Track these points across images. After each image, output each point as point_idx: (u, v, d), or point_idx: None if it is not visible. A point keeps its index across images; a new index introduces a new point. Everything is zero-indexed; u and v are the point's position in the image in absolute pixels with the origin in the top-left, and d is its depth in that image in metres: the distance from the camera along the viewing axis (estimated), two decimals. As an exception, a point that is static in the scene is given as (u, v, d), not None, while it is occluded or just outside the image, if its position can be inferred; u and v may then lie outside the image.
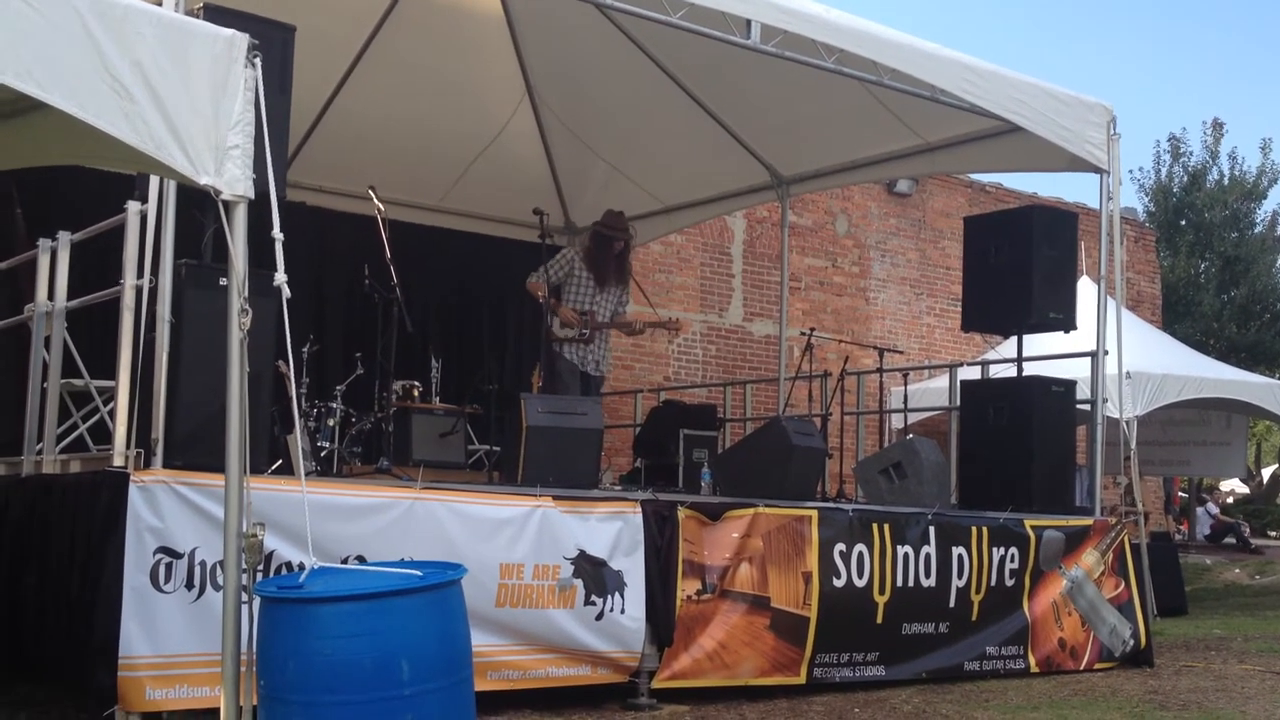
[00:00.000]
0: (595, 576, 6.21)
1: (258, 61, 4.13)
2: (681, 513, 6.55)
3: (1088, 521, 8.34)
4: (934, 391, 13.60)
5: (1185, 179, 26.28)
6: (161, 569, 5.11)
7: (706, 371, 14.29)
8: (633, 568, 6.34)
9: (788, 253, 11.51)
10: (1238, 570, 16.28)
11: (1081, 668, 7.99)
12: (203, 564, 5.17)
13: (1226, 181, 26.02)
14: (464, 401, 9.47)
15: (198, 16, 4.99)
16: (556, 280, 8.77)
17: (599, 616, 6.20)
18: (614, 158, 11.13)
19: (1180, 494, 23.96)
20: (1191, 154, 26.46)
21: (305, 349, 8.29)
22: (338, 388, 8.43)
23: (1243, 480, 27.08)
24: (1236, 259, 25.16)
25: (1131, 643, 8.24)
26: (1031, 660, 7.80)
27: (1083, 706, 6.72)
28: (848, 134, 9.83)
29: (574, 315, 8.69)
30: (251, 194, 4.11)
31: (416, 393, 9.24)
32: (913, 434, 9.97)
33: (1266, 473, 33.60)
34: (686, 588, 6.49)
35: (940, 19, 76.26)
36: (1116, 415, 9.37)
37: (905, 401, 11.39)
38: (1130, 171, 27.69)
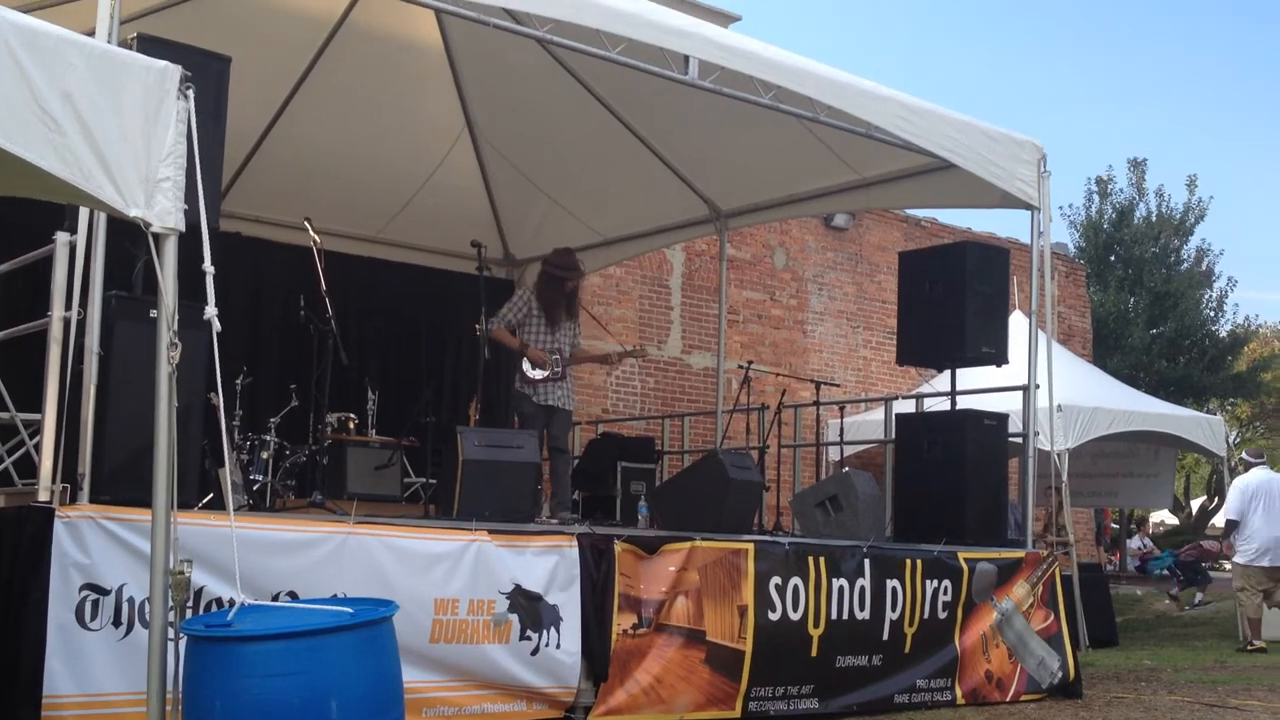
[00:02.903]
0: (531, 611, 6.18)
1: (190, 93, 4.10)
2: (618, 546, 6.54)
3: (1020, 554, 8.43)
4: (870, 424, 13.70)
5: (1114, 216, 26.78)
6: (88, 606, 5.01)
7: (645, 404, 14.30)
8: (569, 602, 6.32)
9: (726, 285, 11.58)
10: (1168, 601, 16.52)
11: (1008, 699, 8.05)
12: (130, 601, 5.08)
13: (1154, 218, 26.54)
14: (401, 434, 9.41)
15: (131, 47, 4.96)
16: (516, 322, 8.74)
17: (535, 651, 6.17)
18: (553, 190, 11.15)
19: (1111, 525, 24.28)
20: (1120, 191, 27.00)
21: (239, 380, 8.21)
22: (271, 420, 8.34)
23: (1172, 512, 27.49)
24: (1165, 294, 25.63)
25: (1060, 674, 8.32)
26: (958, 692, 7.84)
27: (1015, 738, 6.77)
28: (785, 169, 9.92)
29: (546, 355, 8.65)
30: (182, 227, 4.07)
31: (352, 425, 9.18)
32: (849, 467, 10.04)
33: (1195, 504, 34.14)
34: (622, 622, 6.47)
35: (872, 57, 77.37)
36: (1048, 448, 9.49)
37: (841, 434, 11.47)
38: (1061, 208, 28.19)
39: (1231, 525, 12.07)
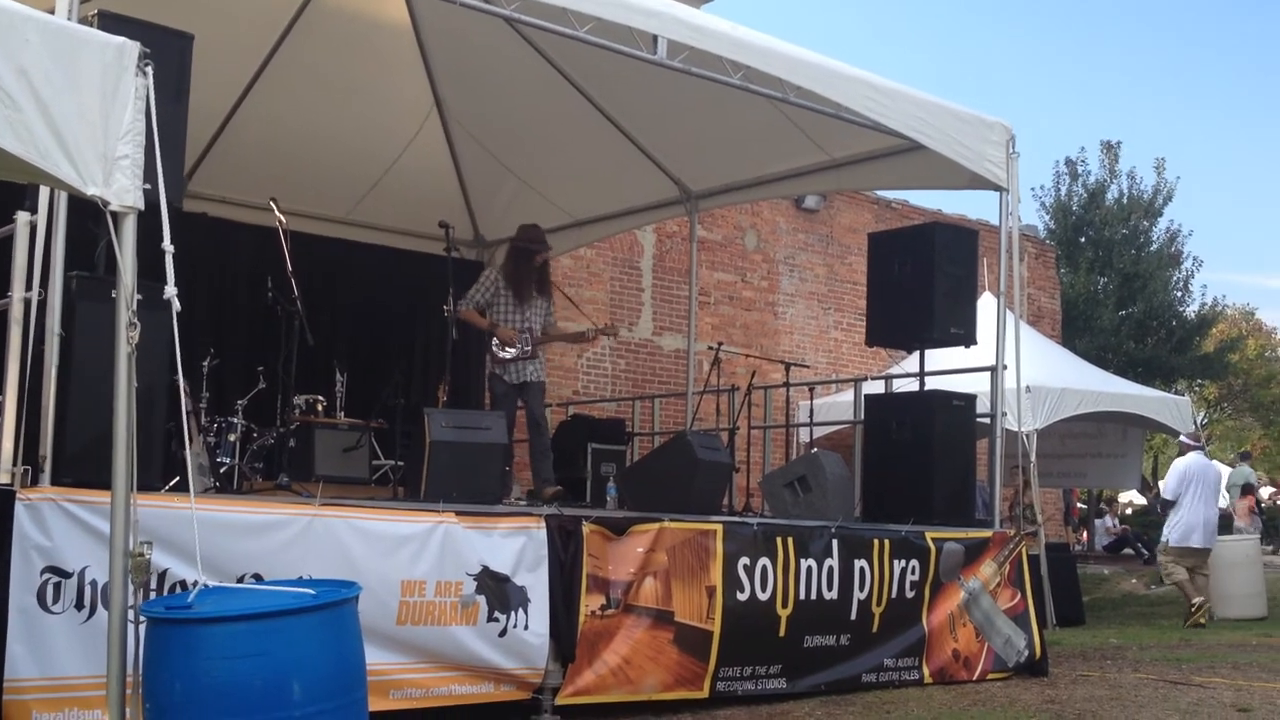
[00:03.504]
0: (499, 593, 6.17)
1: (149, 70, 4.05)
2: (586, 528, 6.54)
3: (987, 534, 8.47)
4: (841, 405, 13.75)
5: (1084, 197, 26.90)
6: (50, 589, 4.96)
7: (616, 386, 14.30)
8: (536, 583, 6.31)
9: (697, 267, 11.57)
10: (1134, 580, 16.66)
11: (975, 678, 8.10)
12: (93, 584, 5.03)
13: (1125, 200, 26.67)
14: (369, 416, 9.37)
15: (92, 24, 4.89)
16: (484, 302, 8.77)
17: (502, 633, 6.16)
18: (523, 171, 11.10)
19: (1079, 505, 24.45)
20: (1090, 173, 27.12)
21: (205, 363, 8.15)
22: (239, 402, 8.29)
23: (1140, 492, 27.69)
24: (1135, 275, 25.79)
25: (1026, 653, 8.38)
26: (926, 671, 7.89)
27: (981, 717, 6.81)
28: (756, 150, 9.91)
29: (514, 333, 8.64)
30: (141, 205, 4.02)
31: (320, 407, 9.12)
32: (818, 448, 10.06)
33: (1163, 484, 34.37)
34: (590, 603, 6.48)
35: (844, 37, 77.36)
36: (1016, 428, 9.54)
37: (811, 415, 11.50)
38: (1032, 189, 28.33)
39: (1167, 505, 12.63)
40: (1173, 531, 12.52)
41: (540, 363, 8.85)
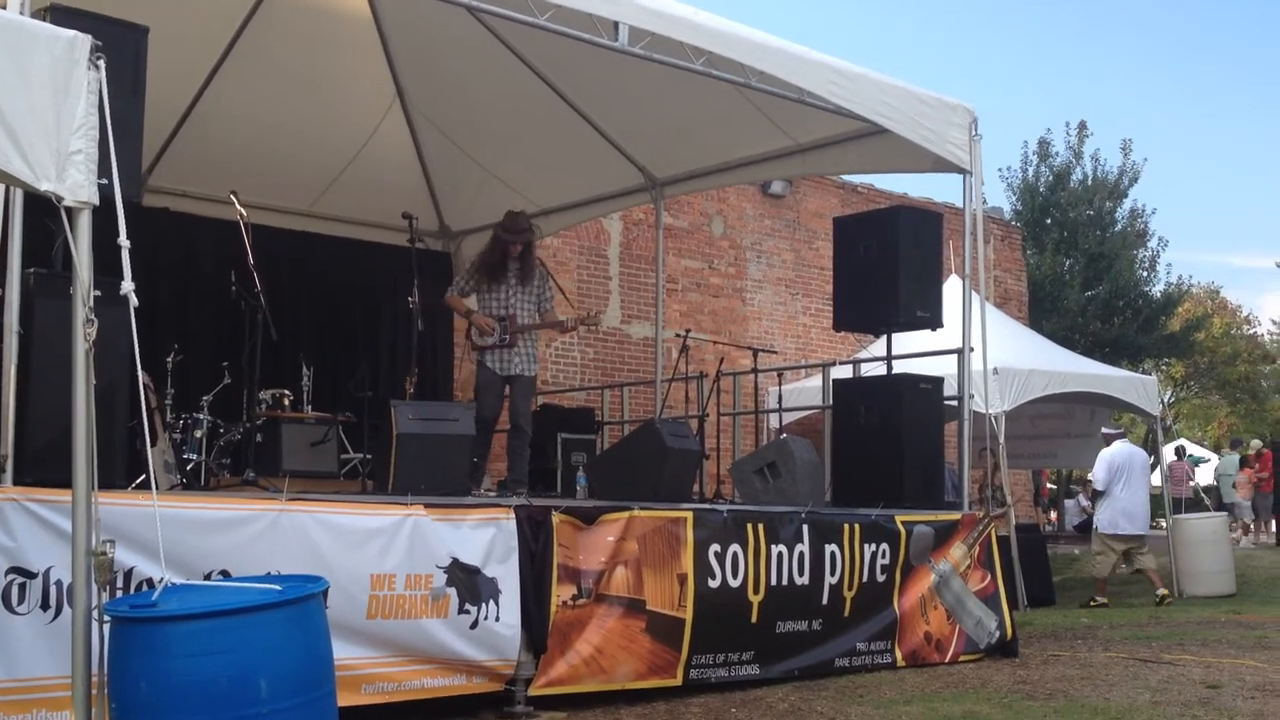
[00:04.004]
0: (469, 584, 6.14)
1: (101, 63, 3.99)
2: (556, 518, 6.52)
3: (956, 516, 8.51)
4: (810, 391, 13.76)
5: (1050, 179, 27.03)
6: (14, 589, 4.91)
7: (585, 374, 14.27)
8: (507, 575, 6.29)
9: (663, 254, 11.56)
10: (1145, 555, 16.71)
11: (947, 660, 8.14)
12: (58, 583, 4.97)
13: (1090, 182, 26.82)
14: (336, 409, 9.32)
15: (44, 18, 4.83)
16: (470, 289, 8.75)
17: (473, 625, 6.14)
18: (487, 161, 11.05)
19: (1049, 486, 24.63)
20: (1057, 155, 27.24)
21: (170, 358, 8.07)
22: (204, 398, 8.22)
23: (1109, 471, 27.95)
24: (1100, 256, 25.94)
25: (997, 634, 8.42)
26: (898, 654, 7.92)
27: (953, 699, 6.84)
28: (720, 136, 9.89)
29: (489, 321, 8.60)
30: (96, 200, 3.97)
31: (287, 401, 9.09)
32: (788, 434, 10.07)
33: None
34: (562, 593, 6.46)
35: (807, 20, 77.37)
36: (984, 410, 9.58)
37: (780, 401, 11.51)
38: (999, 170, 28.51)
39: (1098, 494, 13.07)
40: (1101, 517, 12.99)
41: (527, 355, 8.73)
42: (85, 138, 3.91)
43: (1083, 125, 27.22)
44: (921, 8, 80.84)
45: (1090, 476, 13.49)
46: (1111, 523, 12.81)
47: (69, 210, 3.94)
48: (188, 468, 7.80)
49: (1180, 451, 21.85)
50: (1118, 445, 13.11)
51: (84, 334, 3.94)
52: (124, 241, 4.06)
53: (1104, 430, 13.79)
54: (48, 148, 3.83)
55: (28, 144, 3.81)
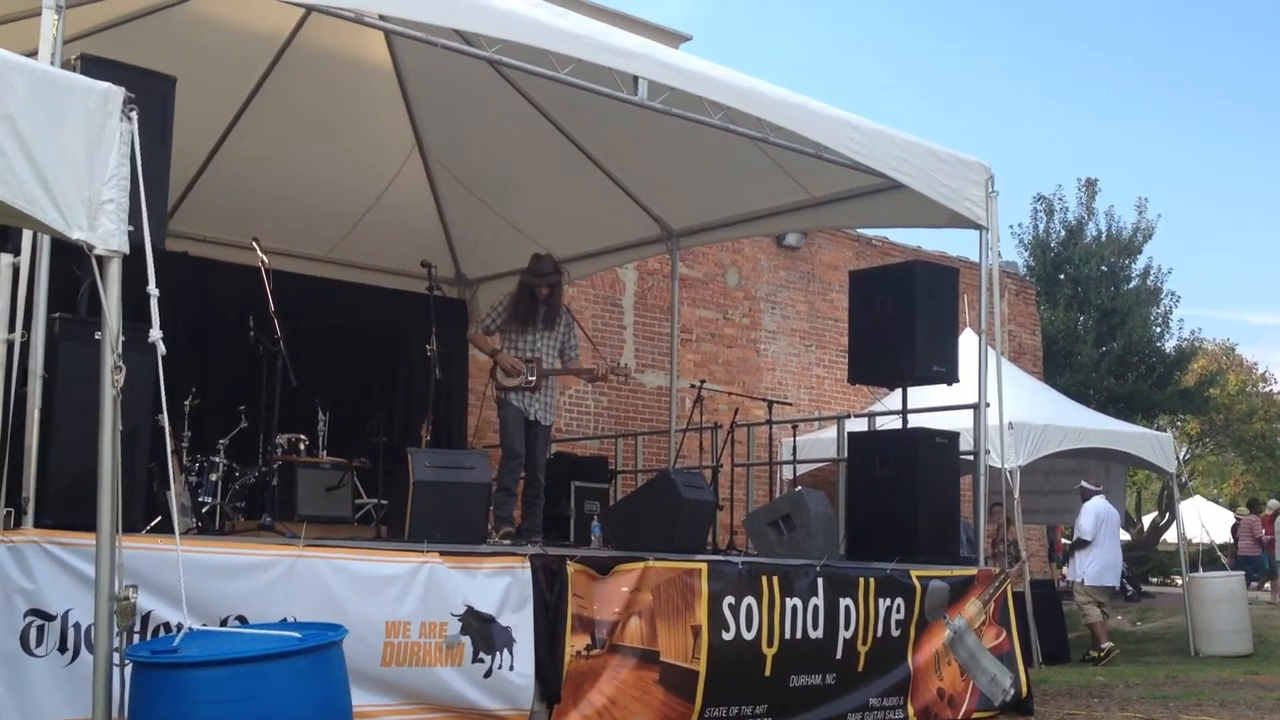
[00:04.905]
0: (483, 633, 6.13)
1: (134, 115, 4.06)
2: (570, 567, 6.51)
3: (972, 571, 8.47)
4: (824, 442, 13.75)
5: (1062, 235, 27.09)
6: (33, 632, 4.91)
7: (598, 423, 14.28)
8: (521, 623, 6.27)
9: (679, 304, 11.60)
10: (1120, 617, 16.66)
11: (960, 717, 8.08)
12: (77, 626, 4.98)
13: (1104, 238, 26.87)
14: (352, 455, 9.34)
15: (74, 68, 4.91)
16: (495, 328, 8.80)
17: (487, 674, 6.12)
18: (505, 210, 11.13)
19: (1063, 541, 24.46)
20: (1068, 210, 27.32)
21: (187, 402, 8.12)
22: (220, 441, 8.25)
23: (1124, 527, 27.77)
24: (1113, 311, 25.94)
25: (1012, 692, 8.36)
26: (911, 711, 7.86)
27: (967, 755, 6.79)
28: (736, 188, 9.95)
29: (518, 362, 8.64)
30: (126, 249, 4.03)
31: (303, 446, 9.10)
32: (802, 485, 10.06)
33: (1146, 520, 34.48)
34: (575, 643, 6.44)
35: (822, 79, 77.95)
36: (999, 465, 9.56)
37: (794, 453, 11.49)
38: (1010, 226, 28.51)
39: (1082, 545, 13.16)
40: (1089, 569, 13.05)
41: (546, 403, 8.77)
42: (117, 188, 3.97)
43: (1091, 182, 27.34)
44: (932, 61, 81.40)
45: (1076, 526, 13.53)
46: (1098, 575, 12.98)
47: (99, 259, 4.00)
48: (203, 510, 7.82)
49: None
50: (1098, 499, 13.27)
51: (112, 380, 3.98)
52: (153, 290, 4.11)
53: (1084, 484, 13.84)
54: (80, 197, 3.90)
55: (60, 193, 3.87)
